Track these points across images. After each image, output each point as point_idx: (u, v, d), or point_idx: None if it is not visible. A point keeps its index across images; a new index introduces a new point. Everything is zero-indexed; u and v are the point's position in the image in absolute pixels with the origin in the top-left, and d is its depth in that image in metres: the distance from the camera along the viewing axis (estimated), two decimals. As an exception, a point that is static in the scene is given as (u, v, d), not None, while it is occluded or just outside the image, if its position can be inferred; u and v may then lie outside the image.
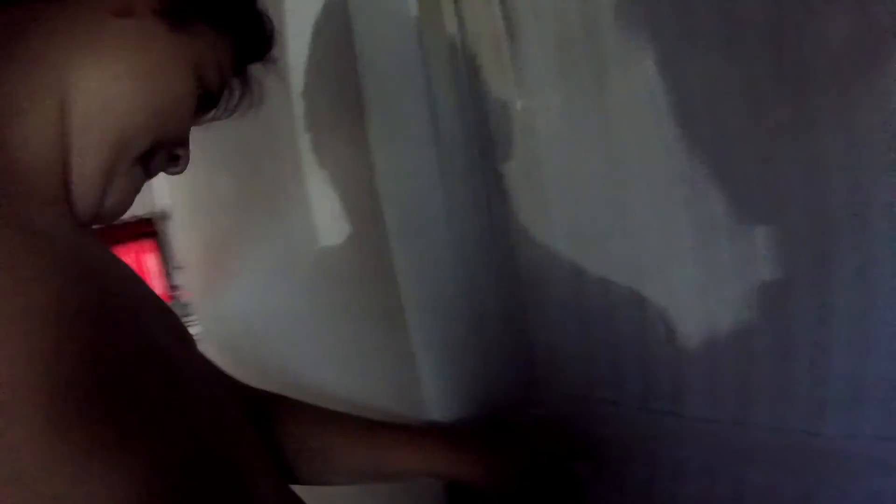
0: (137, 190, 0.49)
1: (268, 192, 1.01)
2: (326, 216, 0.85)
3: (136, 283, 0.49)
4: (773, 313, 0.52)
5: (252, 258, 1.19)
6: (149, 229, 6.86)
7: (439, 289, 0.76)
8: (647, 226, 0.60)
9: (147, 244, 7.01)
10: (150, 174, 0.50)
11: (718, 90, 0.50)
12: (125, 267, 0.50)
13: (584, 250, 0.68)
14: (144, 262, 7.07)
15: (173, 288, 7.10)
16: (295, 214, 0.94)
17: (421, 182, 0.74)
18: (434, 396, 0.75)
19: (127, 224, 5.97)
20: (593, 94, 0.61)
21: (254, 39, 0.56)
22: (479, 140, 0.77)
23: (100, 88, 0.44)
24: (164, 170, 0.52)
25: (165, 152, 0.51)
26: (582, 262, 0.69)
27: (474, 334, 0.77)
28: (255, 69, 0.62)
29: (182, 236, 1.73)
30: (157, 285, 7.49)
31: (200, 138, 0.57)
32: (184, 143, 0.52)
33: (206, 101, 0.52)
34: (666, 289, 0.61)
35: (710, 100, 0.51)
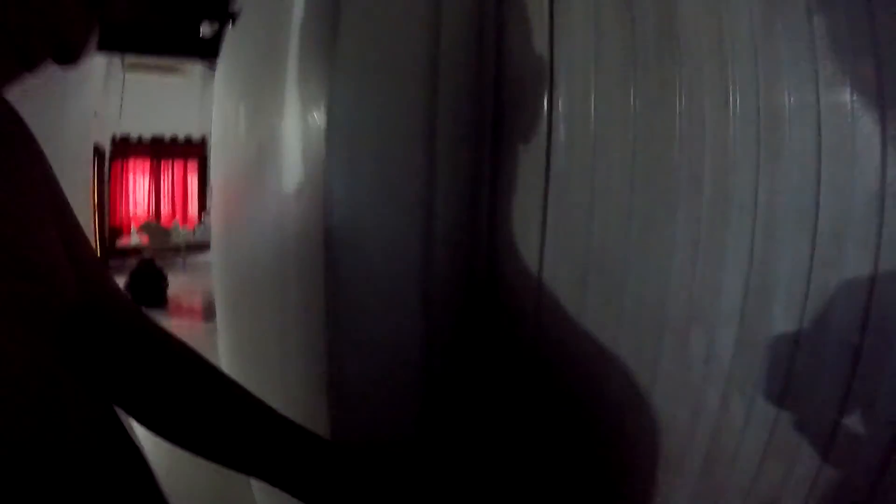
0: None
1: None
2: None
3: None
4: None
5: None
6: (198, 151, 9.17)
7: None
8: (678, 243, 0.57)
9: (192, 164, 9.46)
10: (30, 65, 0.44)
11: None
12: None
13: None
14: (188, 181, 9.64)
15: (204, 209, 9.34)
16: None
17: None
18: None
19: (176, 143, 8.61)
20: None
21: None
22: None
23: None
24: (56, 61, 0.45)
25: (45, 42, 0.43)
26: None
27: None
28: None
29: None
30: (194, 205, 9.77)
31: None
32: (66, 31, 0.44)
33: None
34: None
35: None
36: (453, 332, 0.84)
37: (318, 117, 0.77)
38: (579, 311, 0.70)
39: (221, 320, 3.37)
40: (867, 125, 0.44)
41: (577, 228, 0.69)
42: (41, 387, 0.41)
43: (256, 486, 2.16)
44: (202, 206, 9.16)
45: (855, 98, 0.45)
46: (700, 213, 0.56)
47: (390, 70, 0.76)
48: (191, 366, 0.63)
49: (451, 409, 0.87)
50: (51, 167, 0.57)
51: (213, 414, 0.61)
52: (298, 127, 0.92)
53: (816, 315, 0.48)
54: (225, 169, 2.63)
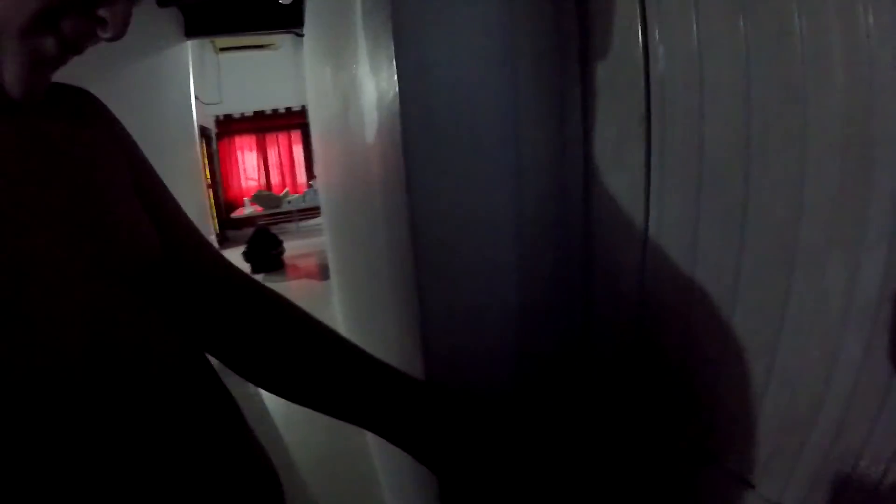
0: (47, 62, 0.43)
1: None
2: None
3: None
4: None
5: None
6: (299, 121, 9.63)
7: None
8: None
9: (296, 135, 9.94)
10: (71, 43, 0.44)
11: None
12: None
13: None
14: (294, 150, 10.18)
15: (312, 175, 9.88)
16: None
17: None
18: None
19: (277, 115, 9.09)
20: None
21: None
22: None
23: None
24: (90, 36, 0.44)
25: (80, 16, 0.43)
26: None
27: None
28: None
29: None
30: (301, 172, 10.39)
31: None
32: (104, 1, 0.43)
33: None
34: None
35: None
36: (548, 266, 0.79)
37: (389, 54, 0.72)
38: (691, 239, 0.61)
39: (334, 274, 3.58)
40: None
41: (687, 141, 0.60)
42: (123, 333, 0.46)
43: (371, 438, 2.26)
44: (309, 172, 9.54)
45: None
46: (833, 108, 0.45)
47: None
48: (279, 312, 0.64)
49: (546, 362, 0.82)
50: (133, 143, 0.62)
51: (302, 358, 0.62)
52: (370, 68, 0.88)
53: None
54: (321, 128, 2.71)
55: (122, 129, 0.60)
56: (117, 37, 0.45)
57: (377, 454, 2.22)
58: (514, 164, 0.74)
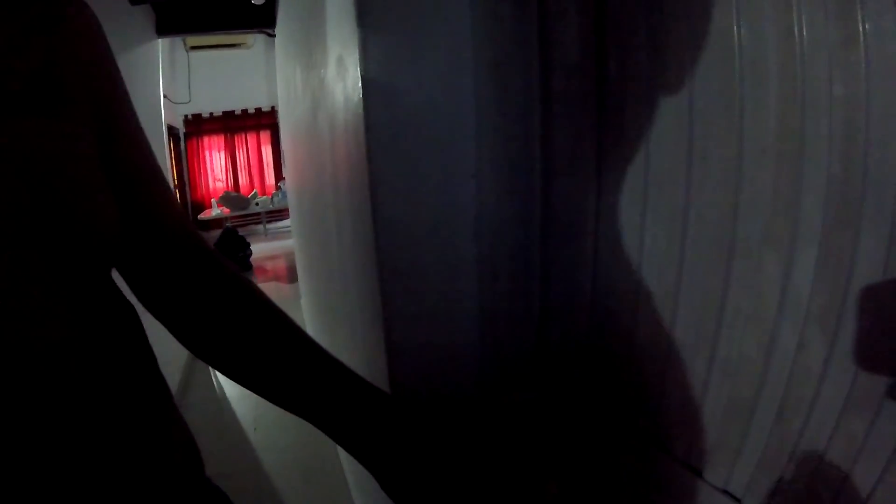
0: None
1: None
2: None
3: None
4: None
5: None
6: (269, 121, 9.50)
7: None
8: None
9: (265, 136, 9.79)
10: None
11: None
12: None
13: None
14: (263, 151, 10.01)
15: (281, 177, 9.71)
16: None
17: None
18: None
19: (247, 115, 8.93)
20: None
21: None
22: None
23: None
24: None
25: None
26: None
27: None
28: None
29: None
30: (270, 173, 10.18)
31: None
32: None
33: None
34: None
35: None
36: (507, 265, 0.81)
37: (354, 59, 0.74)
38: (639, 239, 0.64)
39: (302, 276, 3.57)
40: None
41: (634, 146, 0.63)
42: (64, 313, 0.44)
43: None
44: (278, 173, 9.44)
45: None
46: (768, 115, 0.48)
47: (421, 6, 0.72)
48: (242, 293, 0.61)
49: (505, 358, 0.84)
50: (108, 78, 0.54)
51: (262, 344, 0.59)
52: (337, 72, 0.89)
53: None
54: (291, 129, 2.70)
55: (101, 56, 0.52)
56: None
57: (346, 458, 2.22)
58: (473, 166, 0.77)
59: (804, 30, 0.45)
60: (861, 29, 0.41)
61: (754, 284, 0.52)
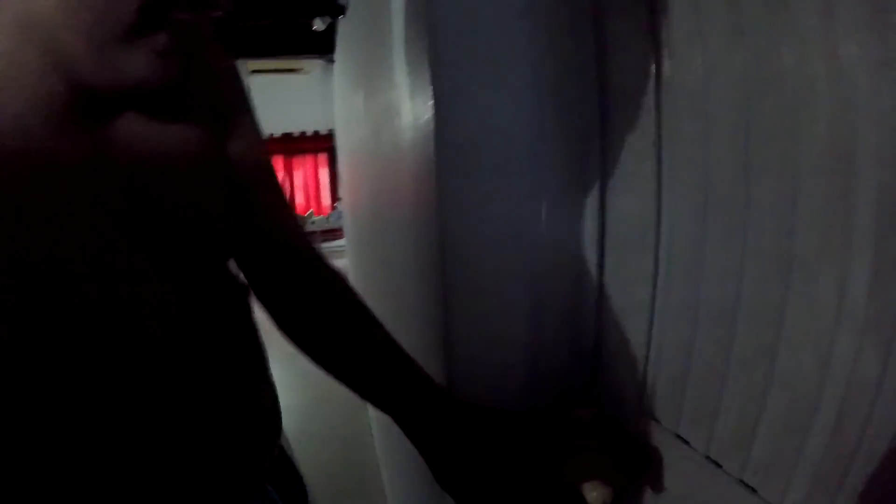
0: (169, 53, 0.43)
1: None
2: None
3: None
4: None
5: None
6: (326, 144, 9.63)
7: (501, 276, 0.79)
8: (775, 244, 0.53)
9: (322, 158, 9.98)
10: (186, 32, 0.44)
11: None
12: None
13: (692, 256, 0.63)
14: (319, 173, 10.17)
15: (336, 198, 9.78)
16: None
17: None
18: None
19: (305, 138, 9.13)
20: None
21: None
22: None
23: None
24: (199, 15, 0.44)
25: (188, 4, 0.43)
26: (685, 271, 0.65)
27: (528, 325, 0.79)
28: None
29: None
30: (326, 194, 10.31)
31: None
32: None
33: None
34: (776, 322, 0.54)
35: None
36: (564, 282, 0.84)
37: (425, 80, 0.79)
38: (698, 255, 0.66)
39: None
40: None
41: (693, 164, 0.65)
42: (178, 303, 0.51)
43: (382, 461, 2.30)
44: (334, 194, 9.64)
45: None
46: (819, 131, 0.50)
47: (483, 27, 0.76)
48: (338, 290, 0.69)
49: (559, 376, 0.86)
50: (236, 95, 0.64)
51: (353, 338, 0.66)
52: (408, 93, 0.94)
53: None
54: (349, 151, 2.78)
55: (224, 68, 0.62)
56: (228, 8, 0.45)
57: (386, 474, 2.24)
58: (535, 184, 0.80)
59: (849, 43, 0.47)
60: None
61: (811, 297, 0.53)
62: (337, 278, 0.70)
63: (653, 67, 0.69)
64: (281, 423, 0.66)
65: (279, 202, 0.70)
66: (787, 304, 0.56)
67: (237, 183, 0.60)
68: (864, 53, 0.46)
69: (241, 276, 0.67)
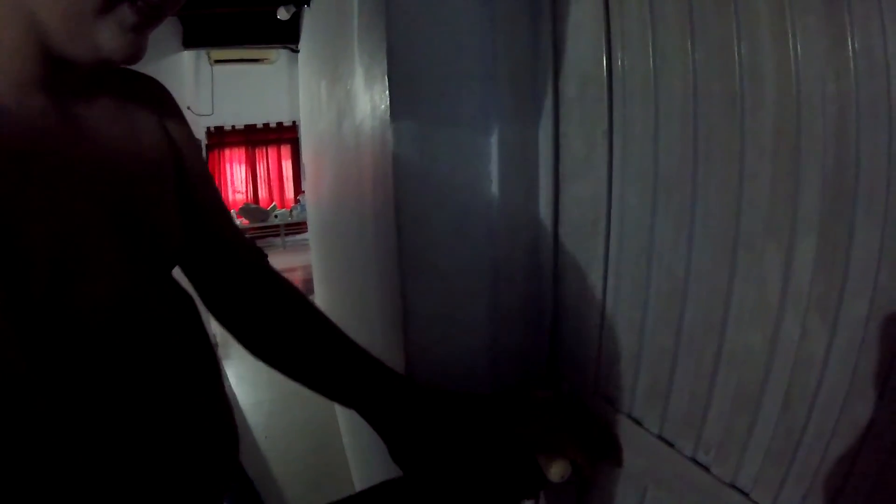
0: (134, 29, 0.47)
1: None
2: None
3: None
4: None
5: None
6: (290, 136, 9.58)
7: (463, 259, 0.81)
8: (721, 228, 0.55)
9: (286, 150, 9.89)
10: (149, 8, 0.47)
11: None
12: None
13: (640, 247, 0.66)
14: (283, 165, 10.09)
15: (300, 191, 9.76)
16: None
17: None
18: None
19: (269, 129, 9.03)
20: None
21: None
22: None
23: None
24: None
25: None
26: (634, 261, 0.67)
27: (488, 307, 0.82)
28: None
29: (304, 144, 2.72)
30: (290, 187, 10.25)
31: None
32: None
33: None
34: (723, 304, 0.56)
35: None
36: (521, 266, 0.85)
37: (382, 69, 0.79)
38: (648, 238, 0.68)
39: (318, 287, 3.64)
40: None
41: (644, 150, 0.67)
42: (140, 302, 0.53)
43: (351, 455, 2.33)
44: (297, 187, 9.54)
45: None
46: (766, 116, 0.52)
47: (442, 14, 0.77)
48: (292, 297, 0.73)
49: (519, 360, 0.87)
50: (188, 136, 0.67)
51: (308, 339, 0.69)
52: (364, 82, 0.94)
53: None
54: (314, 142, 2.77)
55: (182, 122, 0.66)
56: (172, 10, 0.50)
57: (355, 469, 2.24)
58: (490, 171, 0.81)
59: (798, 33, 0.48)
60: (849, 31, 0.44)
61: (757, 278, 0.55)
62: (283, 281, 0.75)
63: (605, 56, 0.71)
64: (237, 437, 0.67)
65: (232, 227, 0.74)
66: (734, 285, 0.57)
67: (198, 212, 0.66)
68: (812, 45, 0.47)
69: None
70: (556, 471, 0.63)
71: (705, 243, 0.60)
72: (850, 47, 0.44)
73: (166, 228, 0.59)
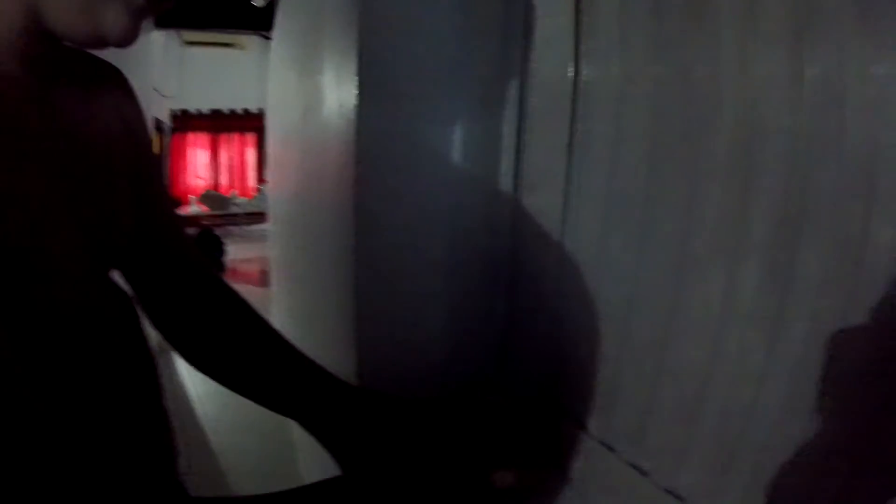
0: (137, 13, 0.47)
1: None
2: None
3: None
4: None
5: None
6: (256, 124, 9.38)
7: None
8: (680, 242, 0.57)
9: (250, 137, 9.69)
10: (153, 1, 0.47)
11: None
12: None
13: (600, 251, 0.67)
14: (246, 153, 9.89)
15: (262, 180, 9.54)
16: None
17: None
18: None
19: (235, 115, 8.80)
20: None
21: None
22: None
23: None
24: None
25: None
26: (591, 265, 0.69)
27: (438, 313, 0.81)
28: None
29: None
30: (252, 176, 10.00)
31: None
32: None
33: None
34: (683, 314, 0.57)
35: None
36: (477, 272, 0.87)
37: (351, 69, 0.79)
38: (600, 250, 0.70)
39: (275, 280, 3.63)
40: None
41: (602, 167, 0.69)
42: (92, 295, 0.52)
43: (301, 450, 2.36)
44: (260, 176, 9.38)
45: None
46: (722, 142, 0.54)
47: (415, 19, 0.78)
48: (235, 306, 0.69)
49: (471, 363, 0.88)
50: (144, 129, 0.65)
51: (250, 351, 0.66)
52: (334, 79, 0.94)
53: (845, 247, 0.45)
54: (279, 132, 2.73)
55: (139, 114, 0.64)
56: None
57: (305, 463, 2.22)
58: (453, 177, 0.82)
59: (760, 65, 0.51)
60: (807, 69, 0.47)
61: (702, 294, 0.57)
62: (228, 290, 0.71)
63: (573, 71, 0.73)
64: (175, 453, 0.64)
65: (171, 211, 0.73)
66: (679, 300, 0.60)
67: (138, 188, 0.62)
68: (773, 77, 0.50)
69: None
70: (502, 478, 0.64)
71: (655, 259, 0.63)
72: (809, 83, 0.47)
73: (119, 221, 0.56)
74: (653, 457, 0.64)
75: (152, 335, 0.65)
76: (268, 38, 4.18)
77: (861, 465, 0.45)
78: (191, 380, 3.42)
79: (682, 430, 0.60)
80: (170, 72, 7.35)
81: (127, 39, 0.47)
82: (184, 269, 0.69)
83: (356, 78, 0.77)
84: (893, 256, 0.43)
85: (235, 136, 9.50)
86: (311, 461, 2.04)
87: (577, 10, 0.71)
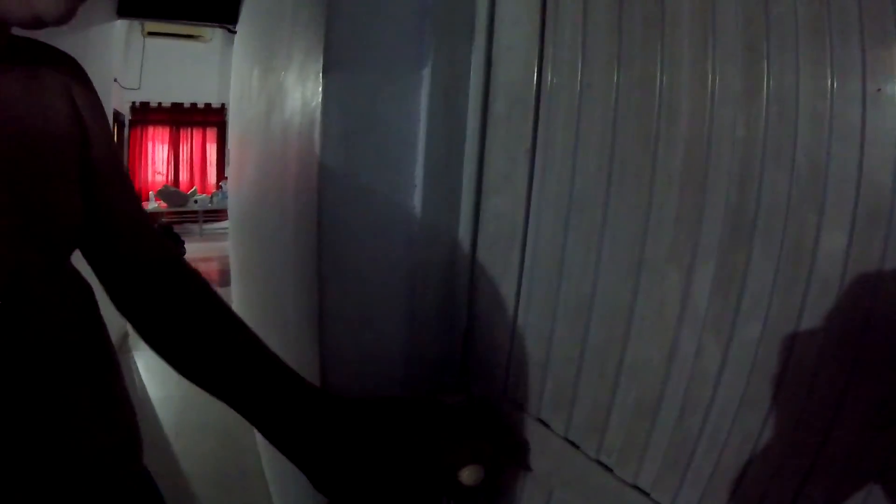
0: None
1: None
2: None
3: None
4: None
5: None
6: (217, 119, 9.14)
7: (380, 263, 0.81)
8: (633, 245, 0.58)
9: (211, 133, 9.47)
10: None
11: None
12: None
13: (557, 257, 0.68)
14: (207, 149, 9.68)
15: (223, 177, 9.37)
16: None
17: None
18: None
19: (196, 110, 8.60)
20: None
21: None
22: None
23: None
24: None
25: None
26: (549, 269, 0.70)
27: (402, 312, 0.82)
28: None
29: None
30: (212, 172, 9.77)
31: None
32: None
33: None
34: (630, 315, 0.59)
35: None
36: (438, 273, 0.87)
37: (317, 68, 0.79)
38: (560, 252, 0.71)
39: (235, 279, 3.57)
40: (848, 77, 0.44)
41: (562, 172, 0.70)
42: (31, 290, 0.51)
43: (263, 453, 2.29)
44: (220, 173, 9.20)
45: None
46: (678, 150, 0.56)
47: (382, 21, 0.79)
48: (198, 291, 0.67)
49: (432, 364, 0.89)
50: (100, 116, 0.63)
51: (209, 337, 0.64)
52: (298, 77, 0.94)
53: (796, 254, 0.47)
54: (241, 128, 2.70)
55: (93, 100, 0.63)
56: None
57: (268, 466, 2.20)
58: (415, 179, 0.83)
59: (716, 78, 0.52)
60: (765, 83, 0.49)
61: (658, 296, 0.59)
62: (195, 277, 0.69)
63: (536, 79, 0.74)
64: (138, 438, 0.63)
65: (131, 198, 0.70)
66: (636, 302, 0.61)
67: (90, 177, 0.61)
68: (729, 91, 0.52)
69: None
70: (468, 475, 0.64)
71: (612, 263, 0.64)
72: (764, 97, 0.49)
73: (62, 209, 0.55)
74: (615, 453, 0.65)
75: (112, 332, 0.64)
76: (232, 31, 4.10)
77: (816, 460, 0.47)
78: (150, 383, 3.36)
79: (642, 426, 0.61)
80: (131, 63, 7.16)
81: (63, 17, 0.47)
82: (144, 252, 0.68)
83: (320, 77, 0.77)
84: (841, 261, 0.45)
85: (196, 131, 9.28)
86: (273, 464, 2.05)
87: (542, 19, 0.72)
